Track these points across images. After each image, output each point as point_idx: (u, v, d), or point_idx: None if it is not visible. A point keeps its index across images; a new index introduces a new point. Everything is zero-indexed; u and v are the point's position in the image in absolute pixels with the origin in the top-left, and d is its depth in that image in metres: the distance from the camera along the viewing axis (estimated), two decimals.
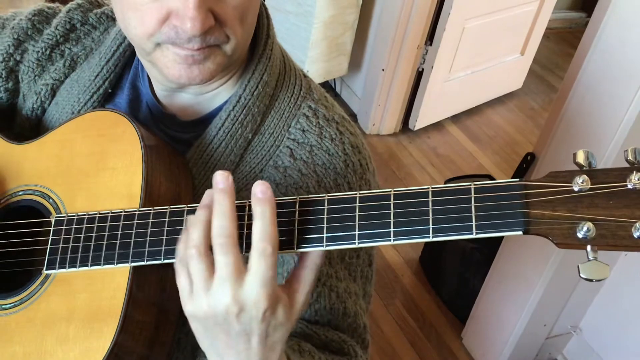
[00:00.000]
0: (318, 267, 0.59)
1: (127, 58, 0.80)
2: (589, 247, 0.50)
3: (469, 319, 2.12)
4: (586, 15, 4.03)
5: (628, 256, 1.69)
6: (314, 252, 0.58)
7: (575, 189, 0.51)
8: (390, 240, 0.55)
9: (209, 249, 0.55)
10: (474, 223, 0.53)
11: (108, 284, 0.63)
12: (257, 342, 0.56)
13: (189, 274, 0.56)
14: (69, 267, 0.65)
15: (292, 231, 0.58)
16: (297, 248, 0.58)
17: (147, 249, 0.62)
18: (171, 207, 0.63)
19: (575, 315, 1.94)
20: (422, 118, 2.94)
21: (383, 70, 2.74)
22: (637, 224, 0.48)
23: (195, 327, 0.58)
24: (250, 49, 0.75)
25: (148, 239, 0.62)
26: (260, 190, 0.55)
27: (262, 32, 0.76)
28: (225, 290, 0.54)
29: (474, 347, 2.10)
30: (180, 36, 0.64)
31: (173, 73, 0.67)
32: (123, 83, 0.80)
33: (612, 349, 1.86)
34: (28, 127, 0.81)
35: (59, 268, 0.65)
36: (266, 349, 0.57)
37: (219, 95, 0.76)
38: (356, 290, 0.76)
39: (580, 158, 0.52)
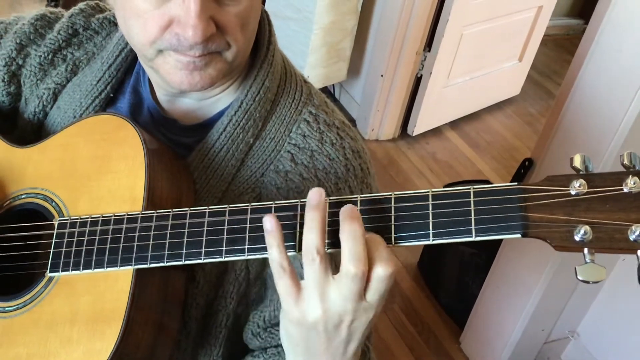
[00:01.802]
0: None
1: (128, 63, 0.80)
2: (586, 250, 0.51)
3: (467, 324, 2.12)
4: (584, 22, 4.05)
5: (625, 261, 1.70)
6: None
7: (573, 192, 0.52)
8: (390, 243, 0.56)
9: (326, 252, 0.55)
10: (473, 226, 0.54)
11: (111, 287, 0.63)
12: (352, 349, 0.58)
13: (291, 276, 0.56)
14: (72, 270, 0.65)
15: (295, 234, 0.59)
16: (299, 250, 0.58)
17: (150, 253, 0.62)
18: (173, 210, 0.63)
19: (573, 320, 1.94)
20: (421, 124, 2.95)
21: (382, 76, 2.75)
22: (633, 227, 0.49)
23: (296, 331, 0.58)
24: (251, 55, 0.75)
25: (151, 242, 0.63)
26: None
27: (263, 38, 0.76)
28: (347, 304, 0.54)
29: (473, 351, 2.10)
30: (182, 43, 0.64)
31: (174, 79, 0.68)
32: (124, 88, 0.81)
33: (610, 354, 1.87)
34: (30, 131, 0.82)
35: (62, 271, 0.65)
36: (357, 354, 0.59)
37: (220, 100, 0.77)
38: None
39: (577, 162, 0.53)
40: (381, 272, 0.54)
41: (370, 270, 0.54)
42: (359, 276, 0.53)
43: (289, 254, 0.58)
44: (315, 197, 0.57)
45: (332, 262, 0.56)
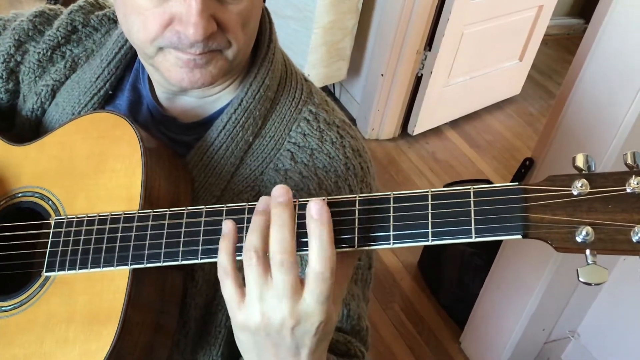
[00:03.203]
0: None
1: (128, 60, 0.80)
2: (587, 251, 0.50)
3: (467, 324, 2.11)
4: (584, 21, 4.05)
5: (627, 261, 1.69)
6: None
7: (574, 193, 0.51)
8: (389, 243, 0.55)
9: (266, 254, 0.54)
10: (473, 227, 0.53)
11: (108, 286, 0.63)
12: (305, 355, 0.56)
13: (236, 280, 0.55)
14: (69, 270, 0.65)
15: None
16: (299, 250, 0.58)
17: (146, 252, 0.62)
18: (170, 209, 0.63)
19: (573, 320, 1.94)
20: (421, 123, 2.95)
21: (382, 75, 2.75)
22: (635, 229, 0.48)
23: (244, 338, 0.58)
24: (252, 53, 0.75)
25: (148, 241, 0.62)
26: (316, 212, 0.55)
27: (264, 36, 0.76)
28: (282, 305, 0.53)
29: (473, 351, 2.10)
30: (183, 41, 0.64)
31: (175, 77, 0.67)
32: (124, 85, 0.80)
33: (610, 354, 1.86)
34: (28, 128, 0.81)
35: (59, 270, 0.65)
36: (320, 358, 0.58)
37: (220, 98, 0.76)
38: (358, 293, 0.76)
39: (580, 162, 0.52)
40: (311, 270, 0.53)
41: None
42: (285, 264, 0.53)
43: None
44: (262, 204, 0.57)
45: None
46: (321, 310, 0.54)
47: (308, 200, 0.58)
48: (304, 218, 0.56)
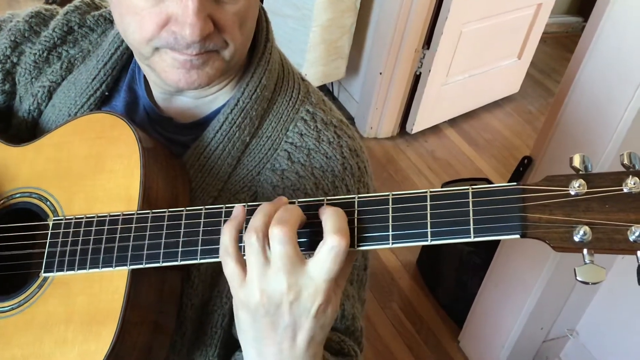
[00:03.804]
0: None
1: (124, 61, 0.80)
2: (585, 251, 0.51)
3: (466, 322, 2.12)
4: (583, 19, 4.05)
5: (625, 259, 1.70)
6: None
7: (572, 193, 0.51)
8: (388, 244, 0.56)
9: (267, 236, 0.55)
10: (471, 227, 0.53)
11: (106, 287, 0.63)
12: (302, 340, 0.56)
13: (238, 260, 0.56)
14: (67, 270, 0.65)
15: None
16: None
17: (145, 252, 0.62)
18: (169, 210, 0.63)
19: (572, 319, 1.94)
20: (420, 122, 2.95)
21: (381, 73, 2.74)
22: (632, 228, 0.49)
23: (243, 317, 0.58)
24: (249, 53, 0.75)
25: (146, 242, 0.62)
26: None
27: (261, 36, 0.76)
28: (281, 277, 0.54)
29: (471, 350, 2.10)
30: (179, 42, 0.64)
31: (171, 77, 0.67)
32: (120, 86, 0.80)
33: (609, 352, 1.87)
34: (24, 129, 0.81)
35: (57, 271, 0.65)
36: (310, 351, 0.57)
37: (217, 98, 0.76)
38: (353, 293, 0.76)
39: (577, 162, 0.52)
40: (330, 241, 0.53)
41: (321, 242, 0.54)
42: (283, 237, 0.53)
43: None
44: (281, 200, 0.58)
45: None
46: (324, 288, 0.54)
47: (308, 201, 0.58)
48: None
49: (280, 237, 0.53)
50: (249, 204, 0.60)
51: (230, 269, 0.57)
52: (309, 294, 0.54)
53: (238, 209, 0.58)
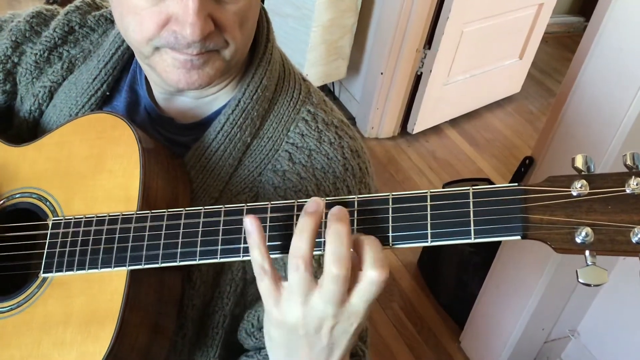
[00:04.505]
0: None
1: (125, 61, 0.80)
2: (587, 252, 0.50)
3: (467, 323, 2.11)
4: (584, 19, 4.04)
5: (626, 260, 1.69)
6: None
7: (574, 193, 0.51)
8: (388, 244, 0.55)
9: (311, 260, 0.54)
10: (472, 228, 0.53)
11: (105, 288, 0.63)
12: (337, 356, 0.56)
13: (273, 277, 0.55)
14: (66, 271, 0.64)
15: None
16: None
17: (144, 253, 0.62)
18: (169, 210, 0.63)
19: (573, 319, 1.93)
20: (421, 122, 2.94)
21: (382, 73, 2.74)
22: (635, 229, 0.48)
23: (276, 335, 0.57)
24: (250, 53, 0.75)
25: (146, 242, 0.62)
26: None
27: (261, 36, 0.76)
28: (327, 308, 0.53)
29: (472, 351, 2.10)
30: (180, 41, 0.63)
31: (172, 77, 0.67)
32: (121, 86, 0.80)
33: (610, 353, 1.86)
34: (25, 129, 0.81)
35: (56, 271, 0.65)
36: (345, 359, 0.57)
37: (218, 98, 0.76)
38: None
39: (579, 163, 0.52)
40: (372, 275, 0.52)
41: (360, 272, 0.53)
42: (341, 278, 0.52)
43: (278, 255, 0.57)
44: (313, 205, 0.55)
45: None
46: (365, 312, 0.54)
47: (304, 202, 0.57)
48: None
49: (339, 279, 0.52)
50: (250, 204, 0.60)
51: (266, 288, 0.55)
52: (349, 321, 0.54)
53: (252, 223, 0.55)
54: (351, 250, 0.53)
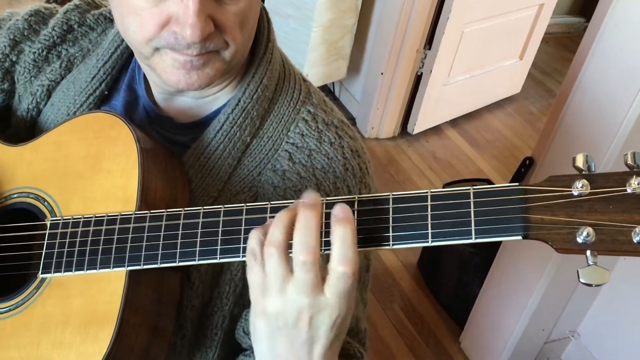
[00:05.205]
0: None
1: (124, 60, 0.79)
2: (588, 252, 0.50)
3: (467, 323, 2.11)
4: (585, 20, 4.04)
5: (627, 260, 1.69)
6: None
7: (575, 193, 0.50)
8: (388, 245, 0.55)
9: (288, 248, 0.55)
10: (472, 228, 0.53)
11: (104, 288, 0.62)
12: (319, 353, 0.56)
13: (263, 269, 0.56)
14: (65, 271, 0.64)
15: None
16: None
17: (143, 253, 0.62)
18: (167, 210, 0.62)
19: (573, 320, 1.93)
20: (421, 122, 2.94)
21: (382, 74, 2.74)
22: (637, 229, 0.48)
23: (260, 325, 0.58)
24: (250, 53, 0.74)
25: (144, 243, 0.62)
26: (341, 211, 0.55)
27: (262, 36, 0.75)
28: (301, 299, 0.54)
29: (472, 351, 2.09)
30: (180, 42, 0.63)
31: (172, 78, 0.67)
32: (120, 85, 0.79)
33: (610, 354, 1.86)
34: (23, 128, 0.81)
35: (55, 272, 0.64)
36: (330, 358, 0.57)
37: (218, 98, 0.75)
38: (356, 295, 0.76)
39: (580, 162, 0.52)
40: (338, 270, 0.53)
41: (329, 266, 0.54)
42: (307, 265, 0.53)
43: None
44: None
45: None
46: (340, 304, 0.54)
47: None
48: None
49: (306, 266, 0.53)
50: (249, 204, 0.60)
51: (256, 278, 0.56)
52: (327, 313, 0.54)
53: (271, 221, 0.57)
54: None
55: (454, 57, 2.81)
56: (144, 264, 0.61)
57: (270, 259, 0.55)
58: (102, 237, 0.63)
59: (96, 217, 0.65)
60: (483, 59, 3.00)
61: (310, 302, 0.54)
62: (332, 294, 0.54)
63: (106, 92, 0.79)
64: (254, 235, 0.57)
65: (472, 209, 0.53)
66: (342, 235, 0.54)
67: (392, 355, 2.08)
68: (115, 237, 0.63)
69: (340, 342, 0.58)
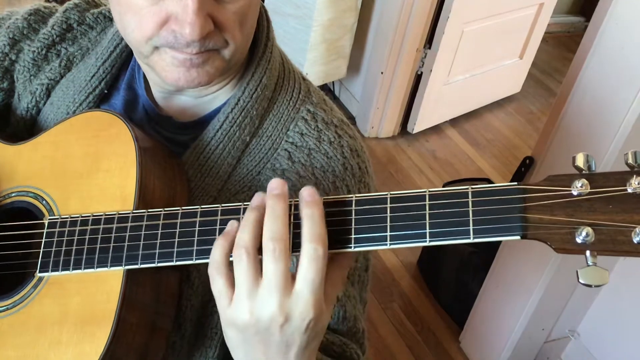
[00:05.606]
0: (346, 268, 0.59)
1: (123, 59, 0.79)
2: (587, 252, 0.50)
3: (467, 323, 2.11)
4: (585, 19, 4.04)
5: (627, 260, 1.69)
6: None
7: (574, 193, 0.50)
8: (386, 244, 0.55)
9: (258, 251, 0.54)
10: (471, 227, 0.52)
11: (101, 287, 0.62)
12: (295, 354, 0.55)
13: (228, 278, 0.55)
14: (62, 270, 0.64)
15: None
16: (294, 251, 0.57)
17: (140, 252, 0.61)
18: (165, 209, 0.62)
19: (573, 320, 1.93)
20: (421, 121, 2.94)
21: (382, 73, 2.74)
22: (636, 229, 0.48)
23: (232, 335, 0.57)
24: (250, 52, 0.74)
25: (142, 242, 0.61)
26: (308, 194, 0.55)
27: (261, 35, 0.75)
28: (272, 299, 0.53)
29: (472, 351, 2.09)
30: (179, 41, 0.63)
31: (171, 76, 0.67)
32: (119, 84, 0.79)
33: (610, 354, 1.86)
34: (22, 127, 0.81)
35: (52, 271, 0.64)
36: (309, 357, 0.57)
37: (217, 97, 0.75)
38: (354, 295, 0.76)
39: (580, 161, 0.51)
40: (309, 249, 0.52)
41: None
42: (277, 252, 0.52)
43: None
44: (257, 200, 0.56)
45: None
46: (312, 303, 0.53)
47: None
48: (300, 218, 0.55)
49: (275, 255, 0.52)
50: (247, 204, 0.59)
51: (219, 287, 0.55)
52: (300, 312, 0.53)
53: (232, 224, 0.57)
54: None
55: (454, 56, 2.81)
56: (141, 263, 0.61)
57: (240, 263, 0.54)
58: (99, 236, 0.63)
59: (94, 216, 0.64)
60: (483, 58, 2.99)
61: (280, 304, 0.52)
62: (304, 283, 0.52)
63: (106, 91, 0.79)
64: (217, 245, 0.56)
65: (470, 209, 0.52)
66: (311, 214, 0.53)
67: (391, 355, 2.08)
68: (113, 236, 0.63)
69: (318, 341, 0.57)
